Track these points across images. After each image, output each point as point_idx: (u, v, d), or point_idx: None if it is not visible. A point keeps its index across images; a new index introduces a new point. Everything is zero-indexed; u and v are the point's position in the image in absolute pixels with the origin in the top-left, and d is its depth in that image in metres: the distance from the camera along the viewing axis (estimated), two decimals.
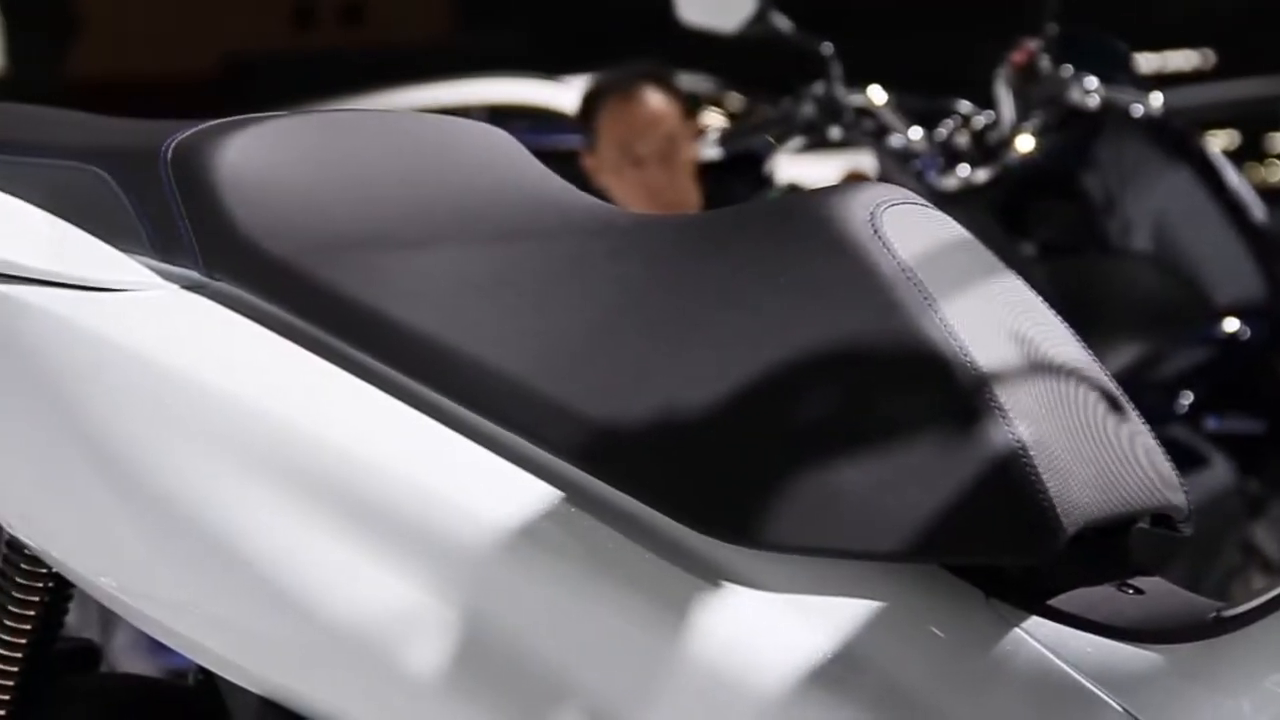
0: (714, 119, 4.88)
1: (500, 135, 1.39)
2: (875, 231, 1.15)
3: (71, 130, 1.36)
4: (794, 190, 3.75)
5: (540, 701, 1.14)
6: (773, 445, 1.14)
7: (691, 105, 4.13)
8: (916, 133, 3.28)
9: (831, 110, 3.28)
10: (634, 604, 1.14)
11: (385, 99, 6.19)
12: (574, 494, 1.16)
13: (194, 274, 1.25)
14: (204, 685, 1.45)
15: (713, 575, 1.14)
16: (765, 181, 3.81)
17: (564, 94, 5.81)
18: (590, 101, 3.77)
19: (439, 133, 1.36)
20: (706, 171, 3.77)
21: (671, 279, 1.20)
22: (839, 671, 1.12)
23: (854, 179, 3.58)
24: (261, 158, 1.26)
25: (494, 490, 1.17)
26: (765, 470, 1.13)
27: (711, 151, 3.64)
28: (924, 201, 1.23)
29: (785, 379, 1.14)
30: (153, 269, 1.26)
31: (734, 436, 1.14)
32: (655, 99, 3.69)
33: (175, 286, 1.25)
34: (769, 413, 1.14)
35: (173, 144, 1.26)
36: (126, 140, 1.30)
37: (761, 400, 1.14)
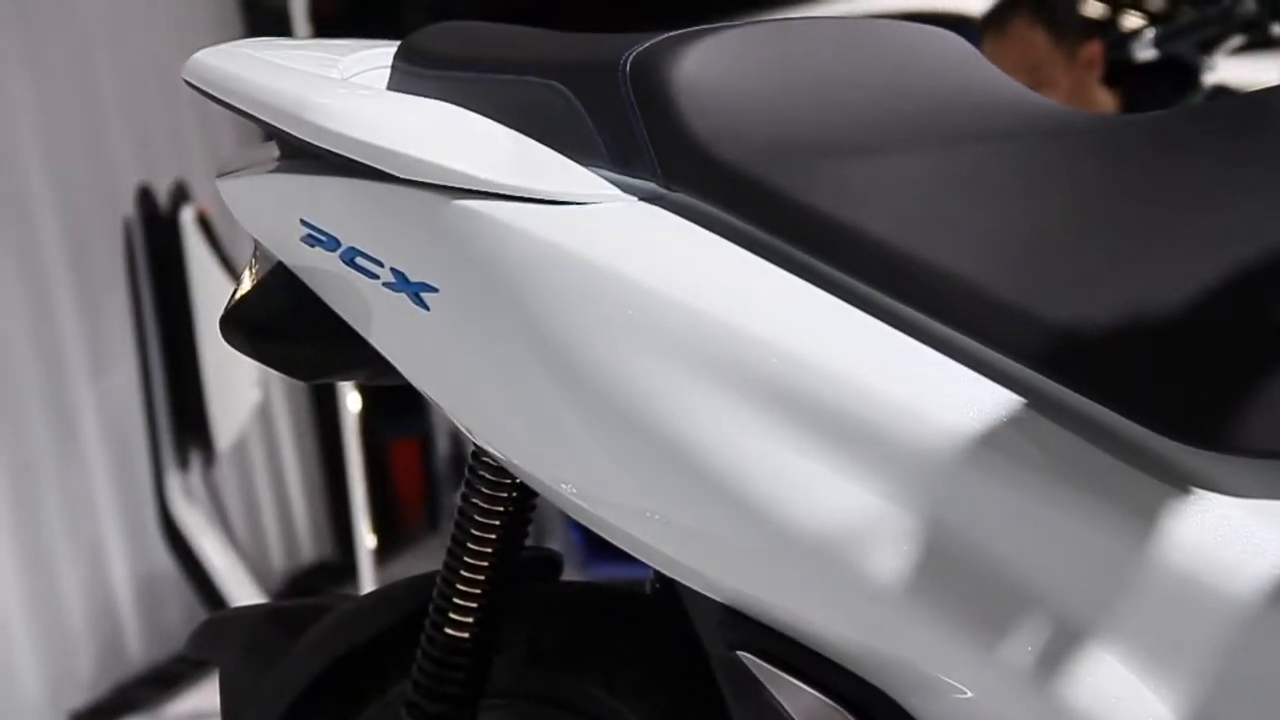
0: (1135, 21, 4.74)
1: (953, 39, 1.37)
2: None
3: (528, 46, 1.38)
4: (1221, 93, 3.63)
5: (1004, 608, 1.13)
6: (1245, 348, 1.10)
7: (1112, 8, 4.02)
8: None
9: (1274, 6, 3.15)
10: (1100, 511, 1.12)
11: (804, 10, 6.16)
12: (1035, 399, 1.14)
13: (652, 185, 1.26)
14: (661, 593, 1.48)
15: (1181, 481, 1.11)
16: (1192, 84, 3.69)
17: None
18: (980, 29, 3.75)
19: (893, 37, 1.35)
20: (1129, 75, 3.67)
21: (1135, 180, 1.17)
22: None
23: None
24: (719, 68, 1.26)
25: (954, 397, 1.15)
26: (1237, 373, 1.09)
27: (1146, 53, 3.53)
28: None
29: (1258, 280, 1.10)
30: (612, 181, 1.27)
31: (1205, 339, 1.11)
32: (1020, 34, 3.63)
33: (634, 198, 1.26)
34: (1242, 315, 1.10)
35: (631, 57, 1.27)
36: (584, 54, 1.31)
37: (1234, 302, 1.10)
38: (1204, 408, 1.10)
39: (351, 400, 4.27)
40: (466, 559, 1.44)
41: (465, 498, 1.44)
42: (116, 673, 4.42)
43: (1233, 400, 1.09)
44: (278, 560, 5.26)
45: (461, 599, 1.45)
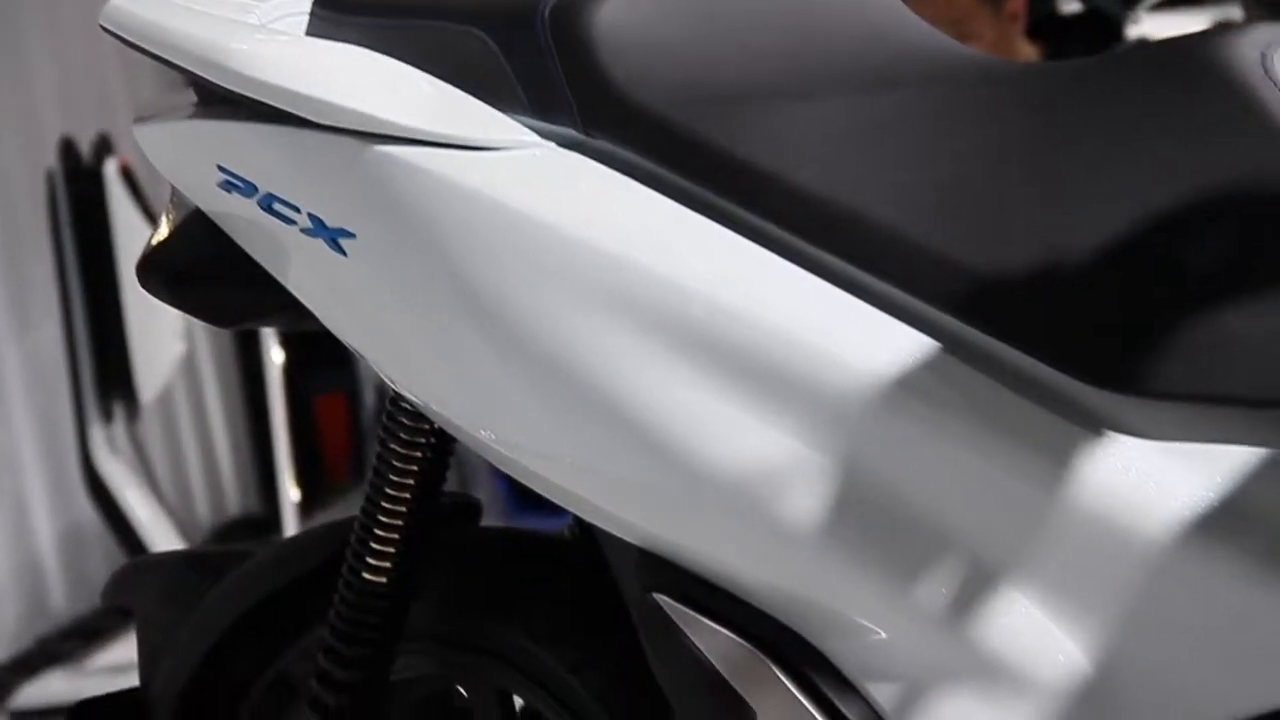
0: None
1: None
2: (1267, 72, 1.11)
3: None
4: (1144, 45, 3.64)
5: (917, 550, 1.14)
6: (1162, 292, 1.11)
7: None
8: None
9: None
10: (1014, 453, 1.13)
11: None
12: (951, 344, 1.15)
13: (571, 132, 1.26)
14: (580, 538, 1.48)
15: (1095, 424, 1.12)
16: (1115, 37, 3.70)
17: None
18: None
19: None
20: (1052, 28, 3.68)
21: (1053, 126, 1.18)
22: (1226, 521, 1.10)
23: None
24: (637, 14, 1.26)
25: (870, 341, 1.16)
26: (1154, 318, 1.10)
27: (1070, 6, 3.54)
28: None
29: (1175, 224, 1.11)
30: (531, 128, 1.27)
31: (1121, 284, 1.12)
32: None
33: (553, 145, 1.26)
34: (1158, 259, 1.11)
35: (551, 3, 1.27)
36: (504, 1, 1.31)
37: (1150, 246, 1.11)
38: (1119, 352, 1.11)
39: (275, 353, 4.25)
40: (384, 504, 1.44)
41: (383, 443, 1.44)
42: (39, 625, 4.40)
43: (1147, 344, 1.10)
44: (203, 513, 5.23)
45: (379, 544, 1.45)
